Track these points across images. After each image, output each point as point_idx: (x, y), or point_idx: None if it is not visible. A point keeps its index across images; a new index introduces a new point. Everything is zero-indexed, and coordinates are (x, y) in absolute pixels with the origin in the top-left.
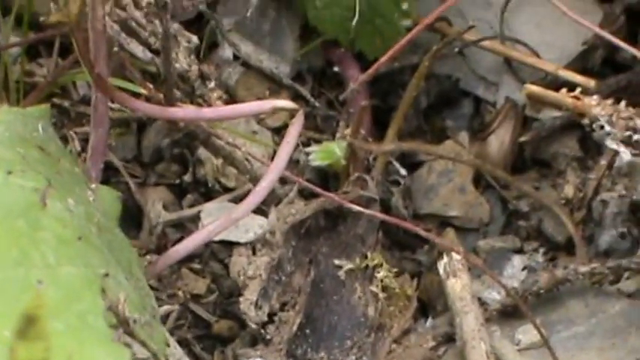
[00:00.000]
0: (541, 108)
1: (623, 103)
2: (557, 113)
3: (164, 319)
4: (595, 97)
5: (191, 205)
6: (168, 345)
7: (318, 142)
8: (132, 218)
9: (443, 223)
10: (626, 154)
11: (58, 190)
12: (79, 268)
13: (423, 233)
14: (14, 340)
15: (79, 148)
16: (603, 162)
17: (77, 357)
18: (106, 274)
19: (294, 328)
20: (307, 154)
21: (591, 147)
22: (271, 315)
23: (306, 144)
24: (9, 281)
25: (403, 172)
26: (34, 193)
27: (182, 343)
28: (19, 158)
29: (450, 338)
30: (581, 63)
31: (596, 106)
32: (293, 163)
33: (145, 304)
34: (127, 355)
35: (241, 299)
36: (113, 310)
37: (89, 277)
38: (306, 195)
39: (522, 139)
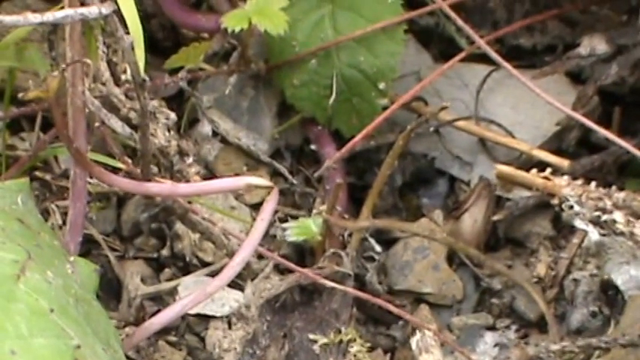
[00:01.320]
0: (512, 188)
1: (593, 184)
2: (527, 193)
3: None
4: (565, 177)
5: (169, 279)
6: None
7: (295, 218)
8: (112, 290)
9: (417, 299)
10: (594, 234)
11: (37, 263)
12: (50, 339)
13: (394, 310)
14: None
15: (60, 221)
16: (575, 241)
17: None
18: (78, 346)
19: None
20: (284, 229)
21: (564, 226)
22: None
23: (284, 220)
24: None
25: (378, 248)
26: (13, 264)
27: None
28: None
29: None
30: (556, 143)
31: (566, 187)
32: (270, 237)
33: None
34: None
35: None
36: None
37: (61, 348)
38: (282, 270)
39: (496, 217)
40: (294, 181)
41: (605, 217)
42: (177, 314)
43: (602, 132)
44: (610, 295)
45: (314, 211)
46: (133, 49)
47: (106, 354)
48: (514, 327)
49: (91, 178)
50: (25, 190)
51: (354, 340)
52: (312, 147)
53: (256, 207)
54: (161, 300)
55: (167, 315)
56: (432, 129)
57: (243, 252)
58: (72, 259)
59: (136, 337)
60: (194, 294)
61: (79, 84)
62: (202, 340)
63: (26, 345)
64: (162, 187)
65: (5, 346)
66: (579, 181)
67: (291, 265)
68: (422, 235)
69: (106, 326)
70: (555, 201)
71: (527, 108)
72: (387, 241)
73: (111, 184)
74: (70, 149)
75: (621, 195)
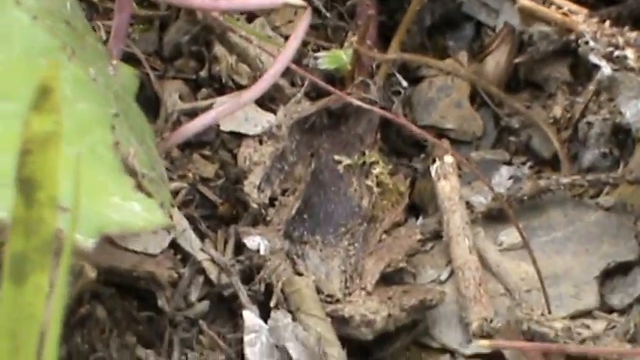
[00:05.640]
0: (532, 22)
1: (607, 23)
2: (546, 28)
3: (174, 194)
4: (582, 15)
5: (205, 98)
6: (173, 205)
7: (327, 49)
8: (150, 106)
9: (439, 134)
10: (607, 69)
11: (80, 60)
12: (92, 105)
13: (418, 131)
14: (28, 111)
15: (104, 37)
16: (591, 87)
17: (85, 180)
18: (117, 114)
19: (293, 211)
20: (316, 58)
21: (581, 73)
22: (272, 199)
23: (316, 51)
24: None
25: (404, 83)
26: (59, 46)
27: (189, 219)
28: (46, 28)
29: (437, 235)
30: None
31: (583, 23)
32: (302, 67)
33: (154, 166)
34: (130, 184)
35: (245, 182)
36: (123, 161)
37: (101, 114)
38: (312, 97)
39: (517, 60)
40: (328, 15)
41: (617, 53)
42: (212, 121)
43: None
44: (620, 138)
45: (345, 44)
46: None
47: (141, 148)
48: (529, 163)
49: None
50: None
51: (377, 162)
52: None
53: None
54: (197, 116)
55: (202, 121)
56: None
57: (276, 66)
58: (114, 62)
59: (170, 141)
60: (228, 103)
61: None
62: (234, 156)
63: (70, 108)
64: (204, 1)
65: None
66: (595, 19)
67: (323, 85)
68: (446, 71)
69: (142, 125)
70: (572, 37)
71: None
72: (413, 79)
73: None
74: None
75: (633, 35)
